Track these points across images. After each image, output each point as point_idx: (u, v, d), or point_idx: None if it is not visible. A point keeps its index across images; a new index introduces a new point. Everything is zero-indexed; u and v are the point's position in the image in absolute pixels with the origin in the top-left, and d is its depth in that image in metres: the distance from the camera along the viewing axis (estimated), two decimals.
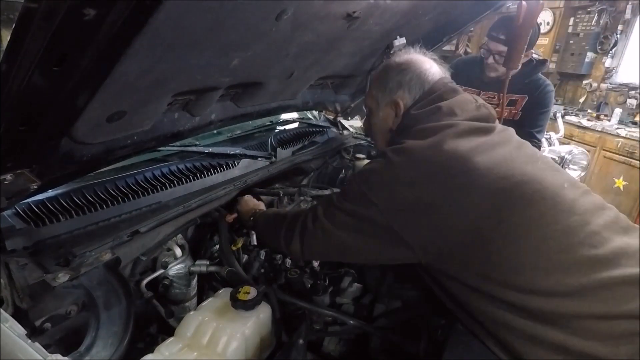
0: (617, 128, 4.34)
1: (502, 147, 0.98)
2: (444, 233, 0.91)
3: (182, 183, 1.39)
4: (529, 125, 2.10)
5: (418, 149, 0.95)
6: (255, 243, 1.40)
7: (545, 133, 3.06)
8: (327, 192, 1.69)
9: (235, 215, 1.47)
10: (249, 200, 1.45)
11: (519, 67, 1.87)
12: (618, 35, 4.86)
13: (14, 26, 0.52)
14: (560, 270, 0.84)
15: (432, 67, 1.14)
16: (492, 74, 2.03)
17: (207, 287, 1.40)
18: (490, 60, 1.99)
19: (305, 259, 1.22)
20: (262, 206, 1.43)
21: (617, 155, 4.23)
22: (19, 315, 0.88)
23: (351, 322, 1.19)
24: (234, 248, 1.34)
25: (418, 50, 1.20)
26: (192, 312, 1.08)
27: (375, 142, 1.29)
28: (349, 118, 2.38)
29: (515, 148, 1.02)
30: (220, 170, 1.54)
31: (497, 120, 1.09)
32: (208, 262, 1.33)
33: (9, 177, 0.78)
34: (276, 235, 1.14)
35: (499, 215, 0.88)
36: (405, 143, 0.97)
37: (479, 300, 0.89)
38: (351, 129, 2.40)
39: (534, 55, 2.09)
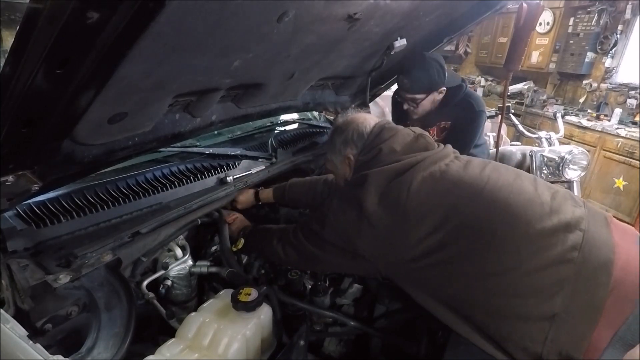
0: (617, 128, 4.34)
1: (439, 176, 1.07)
2: (391, 248, 1.02)
3: (183, 184, 1.39)
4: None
5: (367, 175, 1.10)
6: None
7: (546, 133, 3.07)
8: None
9: (235, 215, 1.47)
10: (239, 222, 1.50)
11: (517, 68, 1.86)
12: (618, 35, 4.86)
13: (18, 29, 0.53)
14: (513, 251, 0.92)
15: (365, 119, 1.28)
16: (414, 116, 2.03)
17: (207, 288, 1.40)
18: (406, 106, 1.99)
19: (287, 265, 1.32)
20: (248, 224, 1.51)
21: (617, 155, 4.23)
22: (20, 316, 0.88)
23: (352, 323, 1.19)
24: (234, 249, 1.34)
25: (353, 110, 1.46)
26: (193, 313, 1.08)
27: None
28: None
29: (449, 173, 1.09)
30: (221, 171, 1.55)
31: (435, 145, 1.21)
32: (209, 263, 1.33)
33: (10, 178, 0.79)
34: (267, 245, 1.27)
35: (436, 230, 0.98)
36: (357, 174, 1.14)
37: (430, 306, 1.00)
38: None
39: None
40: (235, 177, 1.56)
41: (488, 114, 3.21)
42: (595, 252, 0.90)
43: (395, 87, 2.09)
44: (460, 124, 2.02)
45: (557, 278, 0.88)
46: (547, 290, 0.88)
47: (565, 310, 0.85)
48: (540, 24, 5.51)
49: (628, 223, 3.76)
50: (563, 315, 0.85)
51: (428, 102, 1.92)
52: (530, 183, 1.04)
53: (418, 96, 1.89)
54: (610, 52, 4.99)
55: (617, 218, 1.05)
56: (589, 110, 5.11)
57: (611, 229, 0.96)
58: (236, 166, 1.62)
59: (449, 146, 1.22)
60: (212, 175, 1.51)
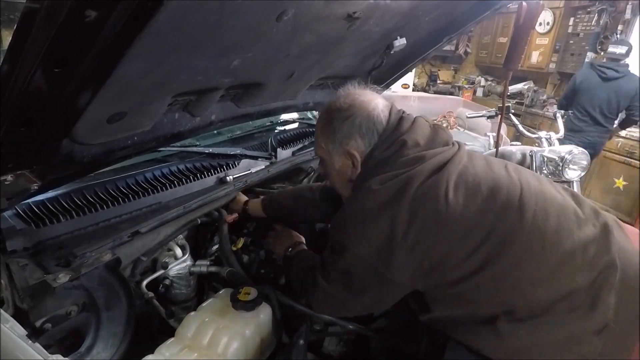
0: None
1: (473, 166, 0.96)
2: (422, 261, 0.89)
3: (183, 183, 1.39)
4: None
5: (387, 186, 0.91)
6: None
7: (546, 133, 3.07)
8: None
9: (235, 215, 1.47)
10: (290, 234, 1.36)
11: (517, 68, 1.86)
12: (618, 35, 4.86)
13: (15, 27, 0.53)
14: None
15: (377, 103, 1.04)
16: None
17: (207, 287, 1.40)
18: None
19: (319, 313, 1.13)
20: (302, 239, 1.35)
21: (617, 155, 4.23)
22: (20, 316, 0.88)
23: (350, 326, 1.18)
24: (234, 248, 1.34)
25: (356, 86, 1.11)
26: (192, 313, 1.08)
27: (337, 190, 1.19)
28: None
29: (484, 162, 1.00)
30: (221, 171, 1.55)
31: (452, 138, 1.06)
32: (208, 263, 1.33)
33: (9, 177, 0.79)
34: (298, 279, 1.14)
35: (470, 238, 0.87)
36: (369, 185, 0.93)
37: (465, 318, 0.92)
38: None
39: None
40: (234, 176, 1.56)
41: (488, 114, 3.22)
42: (629, 257, 0.88)
43: (395, 86, 2.09)
44: None
45: (606, 286, 0.83)
46: (600, 301, 0.83)
47: (614, 320, 0.82)
48: (540, 24, 5.51)
49: (628, 223, 3.76)
50: (612, 326, 0.82)
51: None
52: (551, 186, 0.98)
53: None
54: None
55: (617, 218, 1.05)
56: None
57: (624, 232, 0.95)
58: (236, 166, 1.61)
59: (462, 147, 1.05)
60: (211, 174, 1.51)
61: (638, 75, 3.71)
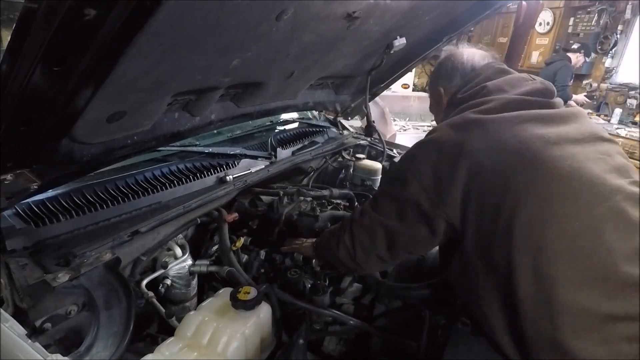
0: (617, 128, 4.34)
1: (558, 125, 0.91)
2: (482, 203, 0.85)
3: (182, 183, 1.39)
4: None
5: (449, 122, 0.96)
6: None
7: None
8: (326, 192, 1.69)
9: (235, 215, 1.47)
10: (302, 241, 1.39)
11: (517, 67, 1.86)
12: (618, 35, 4.86)
13: (14, 26, 0.52)
14: (579, 258, 0.80)
15: (474, 55, 1.18)
16: None
17: (207, 287, 1.40)
18: None
19: (357, 261, 1.08)
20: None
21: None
22: (19, 315, 0.88)
23: (351, 322, 1.19)
24: (233, 248, 1.34)
25: (466, 45, 1.26)
26: (192, 312, 1.08)
27: (436, 119, 1.33)
28: (349, 118, 2.38)
29: (576, 130, 0.92)
30: (220, 170, 1.55)
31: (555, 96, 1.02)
32: (208, 262, 1.33)
33: (9, 177, 0.79)
34: (329, 245, 1.15)
35: (518, 187, 0.82)
36: (452, 116, 0.99)
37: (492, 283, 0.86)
38: (351, 129, 2.40)
39: None
40: (234, 176, 1.56)
41: None
42: None
43: (395, 86, 2.09)
44: None
45: None
46: (615, 345, 0.78)
47: None
48: (540, 24, 5.50)
49: None
50: None
51: None
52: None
53: None
54: (610, 52, 4.99)
55: None
56: (589, 111, 5.11)
57: None
58: (235, 165, 1.61)
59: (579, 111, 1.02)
60: (211, 174, 1.51)
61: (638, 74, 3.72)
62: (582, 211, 0.81)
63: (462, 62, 1.17)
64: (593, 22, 5.03)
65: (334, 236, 1.14)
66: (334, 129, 2.28)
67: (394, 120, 5.78)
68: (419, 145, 0.99)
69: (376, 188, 1.89)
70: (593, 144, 0.91)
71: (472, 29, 6.36)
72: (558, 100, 1.01)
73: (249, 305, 1.05)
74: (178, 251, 1.30)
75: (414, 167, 0.95)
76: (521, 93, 0.97)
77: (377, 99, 2.42)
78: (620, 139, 4.19)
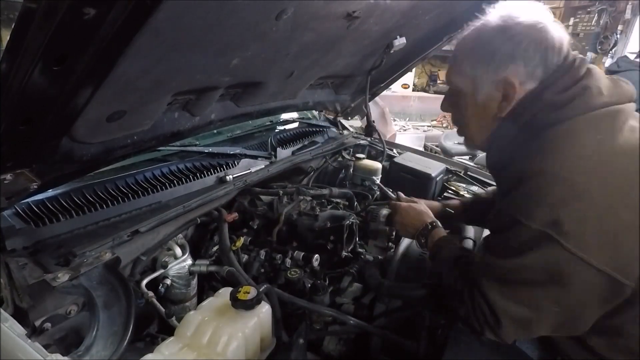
0: None
1: None
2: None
3: (182, 183, 1.39)
4: None
5: (587, 154, 0.72)
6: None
7: None
8: (325, 191, 1.69)
9: (235, 215, 1.47)
10: (420, 211, 1.15)
11: None
12: (618, 35, 4.86)
13: (13, 26, 0.52)
14: None
15: (554, 29, 0.81)
16: None
17: (207, 286, 1.40)
18: None
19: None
20: (432, 216, 1.17)
21: None
22: (19, 315, 0.88)
23: (351, 321, 1.19)
24: (233, 248, 1.34)
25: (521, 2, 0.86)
26: (192, 312, 1.07)
27: (465, 133, 0.98)
28: (349, 118, 2.38)
29: None
30: (220, 170, 1.55)
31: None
32: (208, 262, 1.33)
33: (9, 176, 0.79)
34: (456, 306, 0.89)
35: None
36: (562, 142, 0.74)
37: None
38: (351, 129, 2.40)
39: None
40: (234, 176, 1.56)
41: None
42: None
43: (395, 86, 2.08)
44: None
45: None
46: None
47: None
48: None
49: None
50: None
51: None
52: None
53: None
54: (610, 52, 4.99)
55: None
56: None
57: None
58: (235, 165, 1.61)
59: None
60: (211, 174, 1.51)
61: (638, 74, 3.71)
62: None
63: (544, 37, 0.80)
64: (593, 22, 5.03)
65: (457, 289, 0.89)
66: (334, 129, 2.28)
67: (394, 120, 5.78)
68: (562, 196, 0.70)
69: (375, 188, 1.88)
70: None
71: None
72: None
73: (249, 305, 1.05)
74: (178, 251, 1.30)
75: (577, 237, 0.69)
76: (616, 98, 0.77)
77: (377, 99, 2.42)
78: None
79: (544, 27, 0.80)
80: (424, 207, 1.19)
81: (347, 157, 2.11)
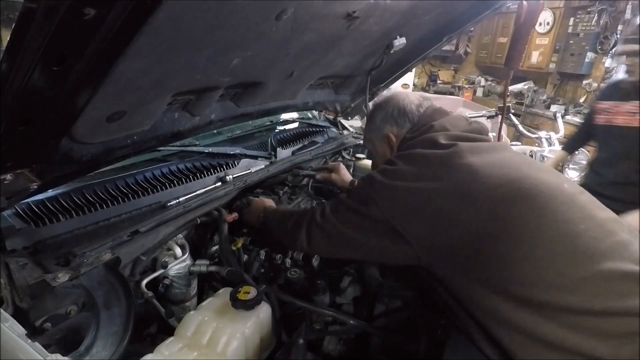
0: None
1: (497, 152, 1.03)
2: (444, 231, 0.92)
3: (182, 183, 1.39)
4: None
5: (418, 152, 1.03)
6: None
7: (546, 133, 3.07)
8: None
9: (235, 215, 1.47)
10: (260, 201, 1.47)
11: (518, 67, 1.86)
12: (618, 35, 4.86)
13: (13, 26, 0.52)
14: (560, 262, 0.83)
15: (410, 98, 1.22)
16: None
17: (207, 286, 1.40)
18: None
19: (311, 252, 1.24)
20: (272, 203, 1.47)
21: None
22: (19, 315, 0.88)
23: (351, 321, 1.19)
24: (233, 248, 1.34)
25: (390, 90, 1.37)
26: (192, 312, 1.08)
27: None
28: (349, 118, 2.38)
29: (511, 154, 1.06)
30: (220, 170, 1.55)
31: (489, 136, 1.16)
32: (208, 262, 1.33)
33: (8, 176, 0.78)
34: (285, 230, 1.20)
35: (497, 210, 0.89)
36: (405, 151, 1.07)
37: (477, 295, 0.89)
38: (351, 129, 2.40)
39: None
40: (234, 176, 1.56)
41: (488, 114, 3.22)
42: None
43: (395, 86, 2.09)
44: None
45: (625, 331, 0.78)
46: (616, 340, 0.78)
47: None
48: (540, 24, 5.51)
49: None
50: None
51: None
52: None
53: None
54: (610, 52, 4.99)
55: None
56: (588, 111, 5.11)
57: None
58: (235, 165, 1.61)
59: (506, 144, 1.19)
60: (211, 174, 1.51)
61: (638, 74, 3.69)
62: (556, 219, 0.87)
63: (406, 105, 1.20)
64: (593, 22, 5.03)
65: (287, 222, 1.20)
66: (334, 129, 2.28)
67: None
68: (379, 180, 1.02)
69: None
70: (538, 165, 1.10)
71: (472, 29, 6.36)
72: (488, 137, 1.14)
73: (249, 305, 1.05)
74: (178, 251, 1.30)
75: (382, 195, 1.00)
76: (463, 131, 1.09)
77: (377, 99, 2.42)
78: None
79: (402, 97, 1.23)
80: (264, 199, 1.50)
81: (347, 157, 2.11)
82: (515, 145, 3.30)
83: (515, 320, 0.83)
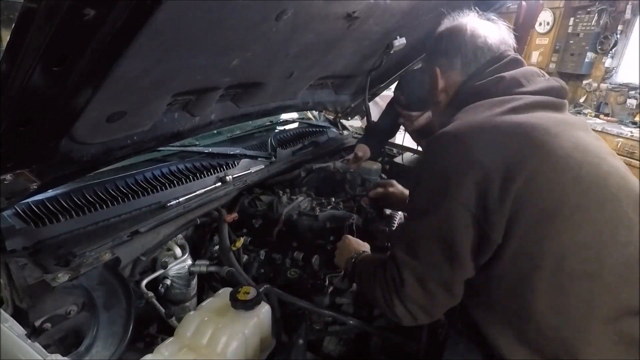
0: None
1: (578, 129, 0.83)
2: (521, 213, 0.75)
3: (182, 183, 1.39)
4: None
5: (476, 122, 0.81)
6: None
7: None
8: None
9: (235, 215, 1.47)
10: (353, 242, 1.21)
11: None
12: (618, 35, 4.85)
13: (13, 26, 0.52)
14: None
15: (489, 34, 0.96)
16: (408, 128, 1.89)
17: (207, 287, 1.40)
18: (401, 120, 1.87)
19: (424, 322, 0.91)
20: (366, 247, 1.20)
21: (616, 155, 4.22)
22: (19, 316, 0.88)
23: (351, 322, 1.19)
24: (233, 248, 1.34)
25: (474, 14, 1.02)
26: (192, 312, 1.07)
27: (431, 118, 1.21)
28: (349, 118, 2.38)
29: (590, 134, 0.87)
30: (220, 170, 1.55)
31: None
32: (208, 262, 1.33)
33: (8, 177, 0.78)
34: (376, 297, 0.91)
35: (577, 201, 0.74)
36: (459, 121, 0.84)
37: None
38: (351, 129, 2.40)
39: None
40: (234, 176, 1.56)
41: None
42: None
43: (394, 86, 2.09)
44: None
45: None
46: None
47: None
48: (540, 24, 5.50)
49: None
50: None
51: (424, 119, 1.78)
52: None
53: (414, 114, 1.78)
54: (610, 52, 4.98)
55: None
56: (589, 110, 5.11)
57: None
58: (235, 165, 1.62)
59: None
60: (211, 174, 1.51)
61: (638, 75, 3.71)
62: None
63: (477, 40, 0.95)
64: (593, 22, 5.02)
65: (375, 288, 0.91)
66: (334, 129, 2.28)
67: None
68: (448, 157, 0.80)
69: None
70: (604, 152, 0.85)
71: None
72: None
73: (249, 306, 1.05)
74: (178, 251, 1.30)
75: (455, 185, 0.77)
76: (539, 91, 0.86)
77: (377, 99, 2.42)
78: (620, 139, 4.19)
79: (467, 31, 0.96)
80: (359, 241, 1.22)
81: (347, 157, 2.11)
82: None
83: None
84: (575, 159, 0.76)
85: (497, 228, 0.75)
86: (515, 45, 1.02)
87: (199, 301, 1.29)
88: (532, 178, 0.74)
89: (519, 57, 0.96)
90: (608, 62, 5.05)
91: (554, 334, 0.77)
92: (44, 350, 0.77)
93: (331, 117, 2.36)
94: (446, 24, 1.02)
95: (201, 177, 1.47)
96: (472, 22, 0.99)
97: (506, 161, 0.75)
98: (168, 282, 1.25)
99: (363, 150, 1.86)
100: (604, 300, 0.75)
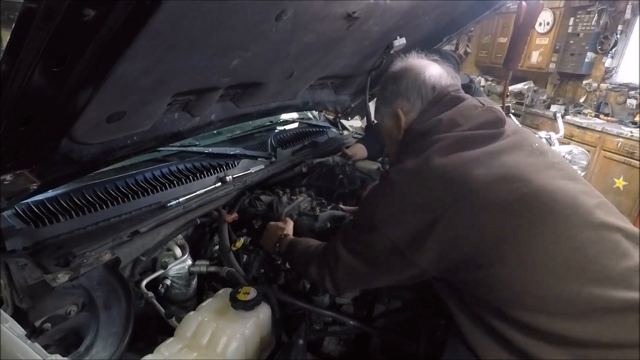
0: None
1: (508, 154, 0.90)
2: (450, 250, 0.85)
3: (182, 183, 1.39)
4: None
5: (411, 168, 0.91)
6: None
7: (546, 133, 3.06)
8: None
9: (235, 215, 1.47)
10: (274, 228, 1.33)
11: (517, 67, 1.86)
12: (618, 35, 4.85)
13: (13, 26, 0.52)
14: (569, 291, 0.78)
15: (431, 73, 1.05)
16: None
17: (206, 287, 1.40)
18: None
19: (340, 294, 1.18)
20: (288, 228, 1.31)
21: (617, 155, 4.22)
22: (19, 316, 0.88)
23: (351, 322, 1.19)
24: (233, 248, 1.34)
25: (416, 55, 1.13)
26: (192, 313, 1.07)
27: (389, 152, 1.27)
28: (349, 118, 2.38)
29: (527, 153, 0.93)
30: (220, 170, 1.55)
31: (505, 123, 0.98)
32: (208, 263, 1.33)
33: (8, 177, 0.78)
34: (309, 271, 1.07)
35: (502, 233, 0.82)
36: (403, 163, 0.94)
37: (483, 315, 0.85)
38: (351, 129, 2.40)
39: None
40: (234, 176, 1.56)
41: None
42: None
43: None
44: None
45: None
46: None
47: None
48: (540, 24, 5.50)
49: None
50: None
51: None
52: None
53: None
54: (610, 52, 4.98)
55: None
56: (588, 111, 5.11)
57: None
58: (235, 165, 1.62)
59: (527, 133, 1.01)
60: (211, 174, 1.51)
61: (638, 75, 3.70)
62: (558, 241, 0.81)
63: (420, 80, 1.04)
64: (593, 22, 5.01)
65: (310, 264, 1.07)
66: (334, 129, 2.28)
67: None
68: (385, 195, 0.93)
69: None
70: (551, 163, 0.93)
71: (472, 29, 6.36)
72: (508, 123, 0.98)
73: (249, 306, 1.05)
74: (178, 251, 1.30)
75: (385, 222, 0.90)
76: (474, 127, 0.93)
77: (396, 63, 2.42)
78: (620, 139, 4.19)
79: (423, 71, 1.05)
80: (282, 224, 1.34)
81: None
82: None
83: (519, 344, 0.80)
84: (493, 191, 0.83)
85: (425, 260, 0.87)
86: (458, 82, 1.10)
87: (199, 301, 1.29)
88: (452, 220, 0.83)
89: (459, 94, 1.03)
90: (608, 62, 5.05)
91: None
92: (44, 350, 0.77)
93: (331, 117, 2.36)
94: (398, 65, 1.11)
95: (201, 177, 1.47)
96: (415, 62, 1.09)
97: (433, 206, 0.85)
98: (168, 282, 1.25)
99: (355, 150, 1.87)
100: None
